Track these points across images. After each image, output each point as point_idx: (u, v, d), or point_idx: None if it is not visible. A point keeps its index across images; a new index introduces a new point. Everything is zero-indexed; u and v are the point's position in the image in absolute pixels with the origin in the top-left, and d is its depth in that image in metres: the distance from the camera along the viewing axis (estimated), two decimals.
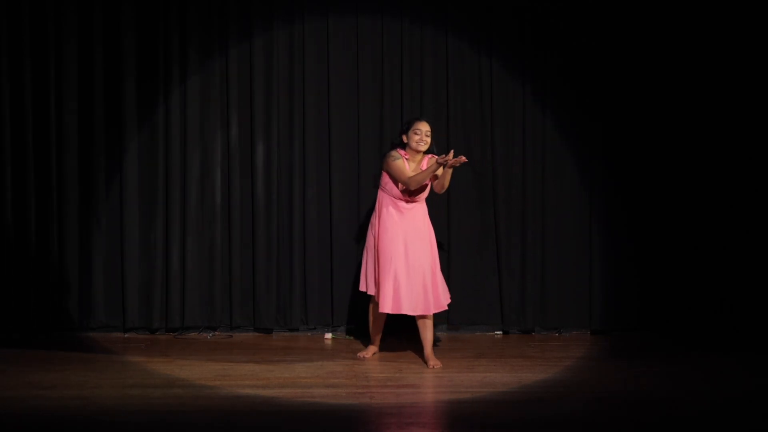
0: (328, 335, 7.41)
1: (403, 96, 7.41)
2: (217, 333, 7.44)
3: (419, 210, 6.54)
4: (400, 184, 6.42)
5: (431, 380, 5.93)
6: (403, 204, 6.47)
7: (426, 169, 6.38)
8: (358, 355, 6.67)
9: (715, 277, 7.44)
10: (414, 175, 6.37)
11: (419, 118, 6.56)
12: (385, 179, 6.49)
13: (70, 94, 7.29)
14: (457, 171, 7.42)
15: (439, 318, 7.47)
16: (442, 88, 7.46)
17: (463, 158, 6.22)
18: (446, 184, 6.46)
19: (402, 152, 6.49)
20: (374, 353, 6.69)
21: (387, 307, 6.32)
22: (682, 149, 7.44)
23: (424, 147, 6.44)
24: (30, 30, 7.27)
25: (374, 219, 6.54)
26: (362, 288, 6.60)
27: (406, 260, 6.39)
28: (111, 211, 7.36)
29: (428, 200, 7.42)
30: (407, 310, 6.33)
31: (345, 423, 4.96)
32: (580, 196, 7.50)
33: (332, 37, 7.41)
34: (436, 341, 6.88)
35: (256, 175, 7.39)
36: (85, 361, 6.40)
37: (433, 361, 6.34)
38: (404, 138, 6.49)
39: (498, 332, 7.56)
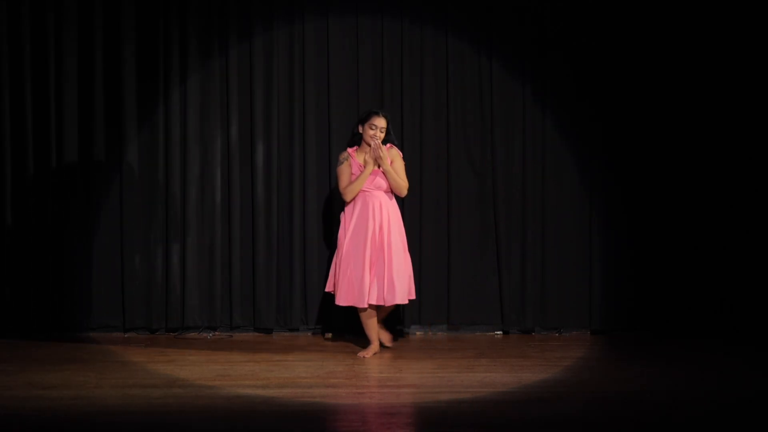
0: (329, 335, 7.41)
1: (403, 96, 7.42)
2: (217, 333, 7.44)
3: (379, 201, 6.61)
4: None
5: (431, 380, 5.92)
6: (365, 194, 6.60)
7: (359, 177, 6.57)
8: (358, 354, 6.67)
9: (715, 277, 7.45)
10: (348, 185, 6.58)
11: (378, 113, 6.66)
12: None
13: (70, 94, 7.30)
14: (457, 171, 7.46)
15: (439, 318, 7.49)
16: (442, 88, 7.46)
17: (376, 149, 6.50)
18: (397, 185, 6.63)
19: (351, 150, 6.67)
20: (375, 353, 6.69)
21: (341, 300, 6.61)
22: (682, 149, 7.45)
23: (376, 141, 6.59)
24: (30, 30, 7.27)
25: (341, 218, 6.73)
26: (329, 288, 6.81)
27: (364, 253, 6.52)
28: (111, 211, 7.36)
29: (429, 201, 7.45)
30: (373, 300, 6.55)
31: (345, 423, 4.96)
32: (580, 196, 7.50)
33: (332, 37, 7.41)
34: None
35: (256, 175, 7.39)
36: (85, 361, 6.40)
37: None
38: (360, 128, 6.64)
39: (498, 332, 7.56)
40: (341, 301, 6.60)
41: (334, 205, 7.40)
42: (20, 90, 7.28)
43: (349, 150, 6.69)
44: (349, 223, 6.63)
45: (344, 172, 6.64)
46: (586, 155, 7.48)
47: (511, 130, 7.48)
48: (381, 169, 6.59)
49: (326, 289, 6.84)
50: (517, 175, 7.49)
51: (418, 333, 7.53)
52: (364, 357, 6.61)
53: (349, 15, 7.43)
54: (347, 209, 6.67)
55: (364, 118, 6.65)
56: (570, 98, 7.46)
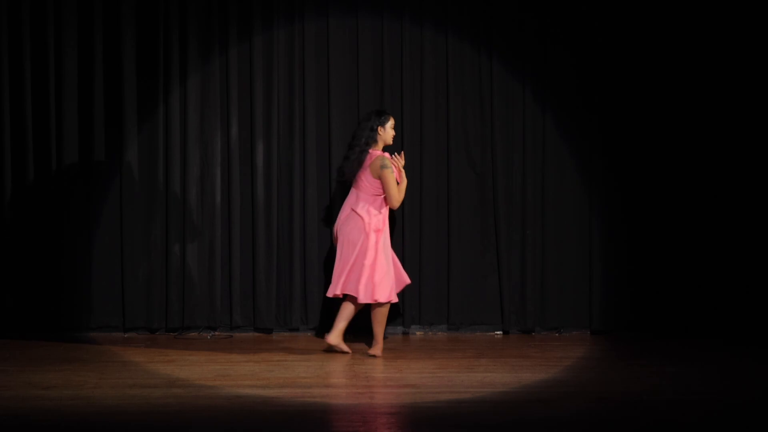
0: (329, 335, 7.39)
1: (403, 96, 7.41)
2: (217, 333, 7.44)
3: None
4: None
5: (431, 380, 5.92)
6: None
7: (402, 185, 6.65)
8: (368, 351, 6.70)
9: (716, 277, 7.45)
10: (399, 193, 6.62)
11: (388, 112, 6.84)
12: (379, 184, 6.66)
13: (70, 94, 7.30)
14: (457, 171, 7.46)
15: (439, 318, 7.50)
16: (442, 88, 7.46)
17: (400, 159, 6.69)
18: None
19: (387, 155, 6.67)
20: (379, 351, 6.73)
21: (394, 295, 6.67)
22: (682, 149, 7.45)
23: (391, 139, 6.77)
24: (30, 30, 7.28)
25: (373, 221, 6.59)
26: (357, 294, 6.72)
27: (389, 252, 6.73)
28: (111, 210, 7.36)
29: (429, 201, 7.46)
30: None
31: (345, 423, 4.96)
32: (580, 196, 7.50)
33: (332, 37, 7.41)
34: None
35: (256, 175, 7.39)
36: (85, 361, 6.40)
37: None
38: (381, 129, 6.68)
39: (498, 332, 7.56)
40: (393, 297, 6.63)
41: (334, 204, 7.40)
42: (20, 91, 7.27)
43: (386, 154, 6.68)
44: (380, 224, 6.60)
45: (394, 178, 6.59)
46: (586, 155, 7.48)
47: (511, 130, 7.48)
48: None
49: (337, 293, 6.66)
50: (517, 175, 7.48)
51: (418, 333, 7.53)
52: (368, 354, 6.65)
53: (349, 15, 7.43)
54: (376, 209, 6.64)
55: (384, 120, 6.70)
56: (570, 98, 7.46)
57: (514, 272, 7.49)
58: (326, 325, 7.43)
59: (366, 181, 6.62)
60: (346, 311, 6.67)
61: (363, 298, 6.54)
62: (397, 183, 6.64)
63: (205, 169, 7.41)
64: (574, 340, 7.33)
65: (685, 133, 7.45)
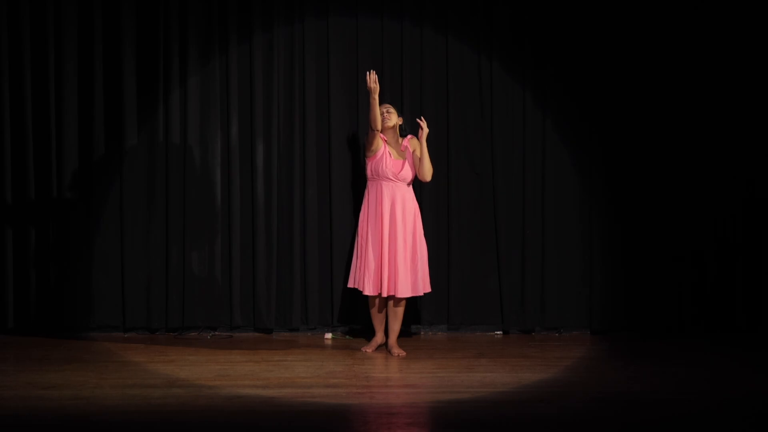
0: (328, 335, 7.41)
1: (403, 96, 7.42)
2: (217, 333, 7.44)
3: (398, 191, 6.73)
4: (372, 164, 6.77)
5: (431, 380, 5.93)
6: (383, 183, 6.72)
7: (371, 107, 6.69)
8: (362, 349, 6.72)
9: (716, 278, 7.45)
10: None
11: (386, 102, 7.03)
12: (366, 167, 6.85)
13: (70, 94, 7.30)
14: (457, 171, 7.46)
15: (439, 318, 7.49)
16: (442, 88, 7.46)
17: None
18: (424, 165, 6.76)
19: (381, 135, 6.84)
20: (378, 347, 6.73)
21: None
22: (681, 149, 7.46)
23: (390, 122, 6.84)
24: (30, 31, 7.27)
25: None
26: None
27: (381, 242, 6.67)
28: (111, 211, 7.36)
29: (429, 201, 7.44)
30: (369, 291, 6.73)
31: (345, 423, 4.96)
32: (581, 195, 7.50)
33: (332, 37, 7.41)
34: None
35: (256, 175, 7.39)
36: (85, 361, 6.40)
37: (397, 350, 6.64)
38: None
39: (498, 332, 7.56)
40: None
41: (334, 204, 7.40)
42: (20, 92, 7.26)
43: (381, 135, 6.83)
44: (363, 212, 6.80)
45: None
46: (585, 154, 7.48)
47: (511, 129, 7.48)
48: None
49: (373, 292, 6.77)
50: (517, 175, 7.49)
51: (418, 333, 7.53)
52: (365, 351, 6.70)
53: (349, 15, 7.43)
54: (363, 200, 6.84)
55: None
56: (570, 98, 7.46)
57: (514, 272, 7.49)
58: (325, 324, 7.46)
59: None
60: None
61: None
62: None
63: (205, 169, 7.41)
64: (574, 340, 7.33)
65: (686, 131, 7.45)
